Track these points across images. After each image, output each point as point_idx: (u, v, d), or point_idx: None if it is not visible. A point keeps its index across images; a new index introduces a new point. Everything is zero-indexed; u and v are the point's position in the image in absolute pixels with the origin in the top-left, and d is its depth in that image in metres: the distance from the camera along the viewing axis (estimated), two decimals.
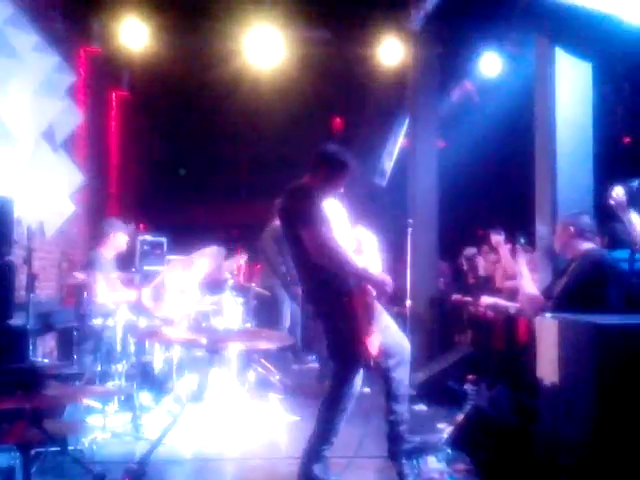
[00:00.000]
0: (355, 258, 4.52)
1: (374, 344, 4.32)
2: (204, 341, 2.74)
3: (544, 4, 5.30)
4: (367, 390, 6.39)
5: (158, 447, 2.75)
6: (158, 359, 6.42)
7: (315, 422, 4.53)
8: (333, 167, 4.67)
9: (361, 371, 4.55)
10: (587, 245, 5.08)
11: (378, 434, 5.04)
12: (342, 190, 4.83)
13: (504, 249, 7.29)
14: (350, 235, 5.79)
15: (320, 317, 4.65)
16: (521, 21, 6.31)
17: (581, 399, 3.86)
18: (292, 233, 4.51)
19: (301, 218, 4.40)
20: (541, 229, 6.22)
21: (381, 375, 4.82)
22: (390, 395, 4.77)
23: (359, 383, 4.59)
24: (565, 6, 5.29)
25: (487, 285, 8.71)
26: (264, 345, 3.76)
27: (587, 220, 5.22)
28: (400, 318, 8.48)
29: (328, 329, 4.58)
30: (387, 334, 4.66)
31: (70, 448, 4.80)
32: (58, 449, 3.21)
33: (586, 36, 5.84)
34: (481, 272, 9.24)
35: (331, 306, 4.44)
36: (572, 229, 5.13)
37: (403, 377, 4.77)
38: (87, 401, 5.51)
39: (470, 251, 9.69)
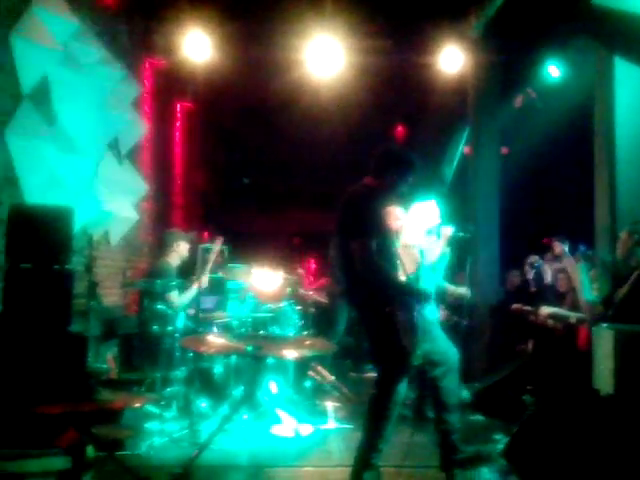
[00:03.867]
0: (400, 274, 4.52)
1: (416, 353, 4.33)
2: (248, 348, 2.79)
3: (601, 12, 5.23)
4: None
5: (204, 452, 2.80)
6: (217, 365, 6.53)
7: (362, 430, 4.55)
8: (400, 168, 4.62)
9: (406, 378, 4.55)
10: None
11: (431, 443, 5.05)
12: (406, 191, 4.81)
13: (568, 259, 7.18)
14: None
15: (363, 324, 4.66)
16: (580, 29, 6.23)
17: (637, 410, 3.80)
18: (343, 239, 4.52)
19: (352, 227, 4.41)
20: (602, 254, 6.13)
21: (430, 385, 4.82)
22: (440, 405, 4.76)
23: (404, 390, 4.58)
24: (622, 14, 5.21)
25: (550, 294, 8.58)
26: (306, 353, 3.81)
27: None
28: (460, 328, 8.46)
29: (371, 336, 4.60)
30: (434, 343, 4.66)
31: (127, 453, 4.99)
32: (112, 453, 3.29)
33: None
34: (547, 280, 9.09)
35: (374, 314, 4.44)
36: (636, 237, 5.05)
37: (452, 386, 4.75)
38: (146, 406, 5.65)
39: (533, 259, 9.55)
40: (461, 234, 6.15)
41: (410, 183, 4.75)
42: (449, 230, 6.02)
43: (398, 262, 4.56)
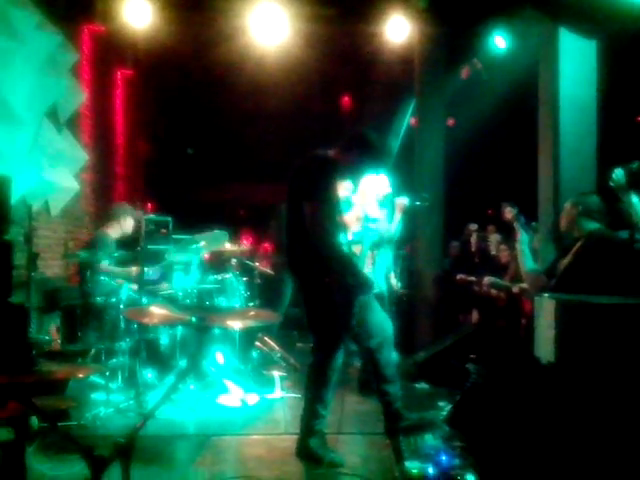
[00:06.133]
0: (345, 247, 4.59)
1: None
2: (192, 319, 2.81)
3: None
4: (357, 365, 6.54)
5: (150, 421, 2.83)
6: (163, 336, 6.53)
7: (304, 398, 4.70)
8: (365, 153, 4.66)
9: (341, 347, 4.65)
10: (593, 225, 5.11)
11: (377, 410, 5.15)
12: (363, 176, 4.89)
13: (517, 225, 7.30)
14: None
15: (301, 292, 4.75)
16: None
17: (577, 379, 3.90)
18: (294, 201, 4.56)
19: (307, 190, 4.45)
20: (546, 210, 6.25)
21: (368, 358, 4.93)
22: (379, 377, 4.87)
23: (341, 357, 4.69)
24: None
25: (493, 264, 8.76)
26: (251, 323, 3.84)
27: (595, 200, 5.24)
28: (407, 298, 8.59)
29: (308, 304, 4.68)
30: (369, 315, 4.74)
31: (73, 423, 4.99)
32: (56, 424, 3.28)
33: (589, 13, 5.83)
34: (493, 251, 9.27)
35: (313, 283, 4.53)
36: (580, 208, 5.16)
37: (389, 357, 4.87)
38: (91, 377, 5.65)
39: (472, 227, 9.74)
40: (418, 203, 6.27)
41: (372, 169, 4.85)
42: (404, 201, 6.12)
43: (343, 234, 4.64)
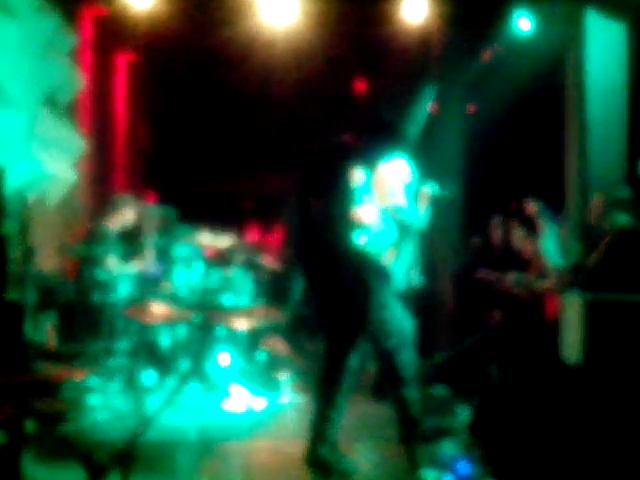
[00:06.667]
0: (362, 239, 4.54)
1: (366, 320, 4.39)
2: (195, 319, 2.79)
3: None
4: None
5: (150, 427, 2.82)
6: (164, 336, 6.52)
7: (315, 402, 4.67)
8: (378, 133, 4.63)
9: (356, 349, 4.60)
10: (623, 218, 5.09)
11: (391, 416, 5.13)
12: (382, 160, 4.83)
13: (542, 221, 7.27)
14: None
15: (314, 290, 4.70)
16: None
17: (606, 382, 3.88)
18: (304, 195, 4.52)
19: (317, 185, 4.41)
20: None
21: (384, 360, 4.88)
22: (396, 379, 4.82)
23: (355, 359, 4.64)
24: None
25: (516, 260, 8.69)
26: (256, 323, 3.84)
27: (625, 192, 5.23)
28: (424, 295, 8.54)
29: (320, 304, 4.64)
30: (387, 313, 4.69)
31: (70, 427, 4.99)
32: (52, 428, 3.29)
33: None
34: (516, 245, 9.20)
35: (326, 281, 4.49)
36: (609, 200, 5.14)
37: (407, 359, 4.81)
38: (88, 379, 5.65)
39: (497, 220, 9.66)
40: (446, 193, 6.19)
41: (387, 152, 4.77)
42: (429, 190, 6.05)
43: (357, 229, 4.60)
